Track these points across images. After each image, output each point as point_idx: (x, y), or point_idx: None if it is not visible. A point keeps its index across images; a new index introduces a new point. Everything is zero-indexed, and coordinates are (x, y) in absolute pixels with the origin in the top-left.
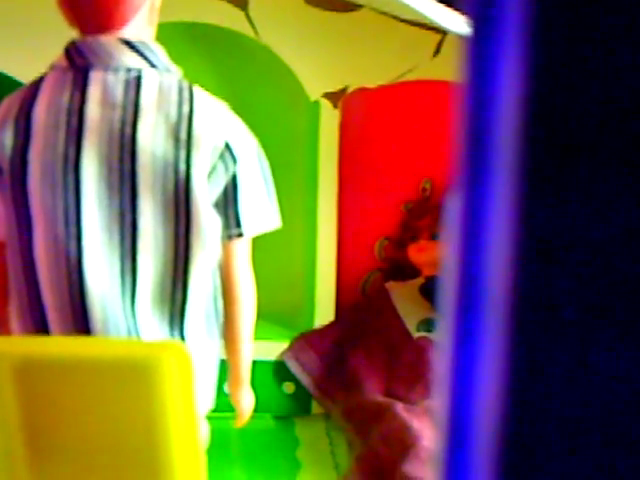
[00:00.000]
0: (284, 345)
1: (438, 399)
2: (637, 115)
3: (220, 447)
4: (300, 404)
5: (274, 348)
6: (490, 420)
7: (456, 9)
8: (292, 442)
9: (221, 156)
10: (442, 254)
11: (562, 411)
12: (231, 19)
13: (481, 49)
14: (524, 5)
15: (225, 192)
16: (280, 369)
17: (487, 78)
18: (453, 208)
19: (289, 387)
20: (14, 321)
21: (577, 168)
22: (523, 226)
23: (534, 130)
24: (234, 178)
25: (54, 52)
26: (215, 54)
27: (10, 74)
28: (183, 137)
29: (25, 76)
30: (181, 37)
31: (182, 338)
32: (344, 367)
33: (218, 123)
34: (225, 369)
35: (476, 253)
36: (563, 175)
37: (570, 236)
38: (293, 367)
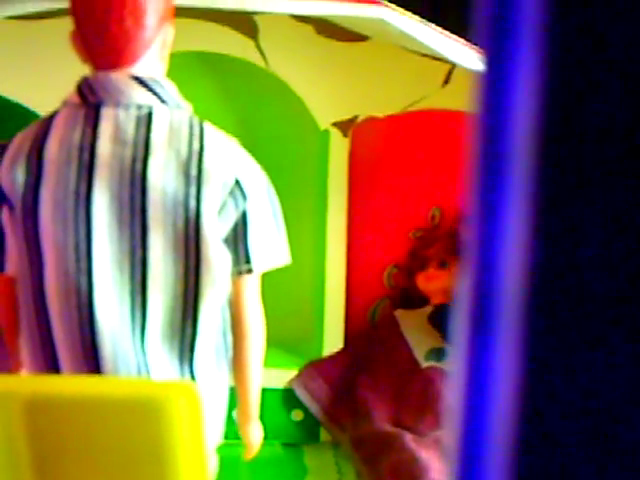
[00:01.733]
0: (293, 373)
1: (451, 422)
2: None
3: (229, 475)
4: (309, 432)
5: (283, 376)
6: (505, 440)
7: (466, 39)
8: (300, 470)
9: (231, 192)
10: (457, 275)
11: (578, 435)
12: (241, 48)
13: (495, 74)
14: (537, 29)
15: (235, 228)
16: (289, 397)
17: (501, 104)
18: (469, 230)
19: (298, 415)
20: (24, 356)
21: (591, 190)
22: (538, 247)
23: (548, 155)
24: (244, 214)
25: (69, 83)
26: (225, 83)
27: (25, 104)
28: (193, 173)
29: (39, 106)
30: (191, 66)
31: (192, 373)
32: (353, 395)
33: (228, 159)
34: (234, 397)
35: (491, 272)
36: (577, 198)
37: (584, 253)
38: (302, 395)
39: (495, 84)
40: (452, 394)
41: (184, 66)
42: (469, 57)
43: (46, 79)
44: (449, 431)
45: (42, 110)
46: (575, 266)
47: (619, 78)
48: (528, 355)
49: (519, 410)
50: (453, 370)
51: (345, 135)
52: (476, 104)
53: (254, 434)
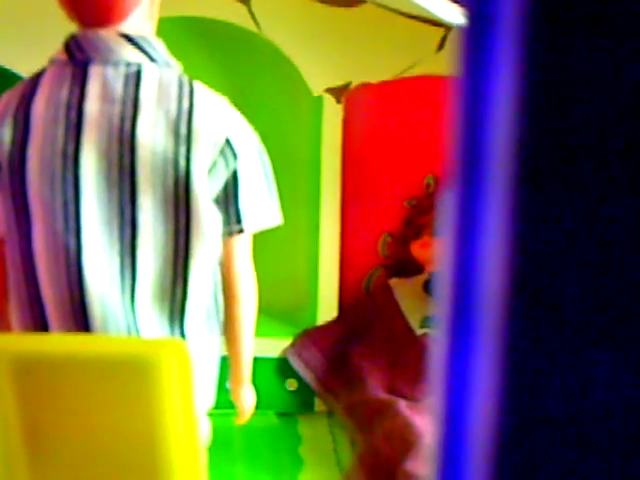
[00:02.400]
0: (287, 342)
1: (434, 399)
2: (635, 116)
3: (222, 444)
4: (303, 401)
5: (277, 345)
6: (486, 421)
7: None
8: (295, 439)
9: (221, 152)
10: (437, 253)
11: (557, 411)
12: (234, 13)
13: (476, 45)
14: (520, 2)
15: (226, 188)
16: (283, 366)
17: (483, 75)
18: (448, 206)
19: (292, 384)
20: (13, 316)
21: (574, 167)
22: (519, 224)
23: (530, 127)
24: (235, 174)
25: (54, 45)
26: (217, 49)
27: (10, 67)
28: (183, 132)
29: (25, 69)
30: (183, 31)
31: (182, 335)
32: (347, 364)
33: (218, 118)
34: (226, 366)
35: (471, 252)
36: (560, 173)
37: (567, 236)
38: (296, 364)
39: (477, 50)
40: (433, 395)
41: (176, 31)
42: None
43: (33, 41)
44: (434, 400)
45: (28, 73)
46: (556, 269)
47: (604, 78)
48: (508, 357)
49: (499, 413)
50: (433, 370)
51: (338, 101)
52: (458, 69)
53: (246, 398)
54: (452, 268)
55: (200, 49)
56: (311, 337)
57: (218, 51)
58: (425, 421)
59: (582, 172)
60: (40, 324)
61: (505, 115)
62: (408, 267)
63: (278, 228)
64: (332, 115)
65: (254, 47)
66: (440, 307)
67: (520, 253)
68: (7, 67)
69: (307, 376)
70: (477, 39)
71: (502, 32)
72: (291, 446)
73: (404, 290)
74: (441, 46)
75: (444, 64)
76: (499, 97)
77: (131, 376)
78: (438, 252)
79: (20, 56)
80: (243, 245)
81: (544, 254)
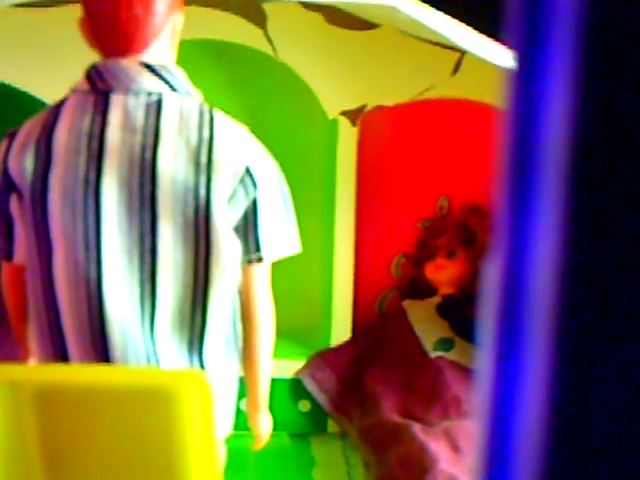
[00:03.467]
0: (300, 363)
1: (480, 405)
2: None
3: (236, 466)
4: (316, 422)
5: (290, 366)
6: (534, 427)
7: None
8: (308, 461)
9: (241, 181)
10: (487, 272)
11: (606, 417)
12: (250, 37)
13: (527, 75)
14: (571, 28)
15: (245, 217)
16: (296, 387)
17: (533, 105)
18: (499, 216)
19: (305, 405)
20: (33, 343)
21: (627, 174)
22: (571, 232)
23: (581, 156)
24: (254, 203)
25: (75, 70)
26: (233, 72)
27: (33, 93)
28: (203, 161)
29: (47, 94)
30: (199, 54)
31: (201, 362)
32: (360, 385)
33: (239, 147)
34: (243, 387)
35: (522, 259)
36: (613, 180)
37: (620, 244)
38: (309, 385)
39: (526, 85)
40: (480, 397)
41: (192, 54)
42: (480, 45)
43: (54, 67)
44: (477, 433)
45: (50, 99)
46: (607, 266)
47: None
48: (558, 356)
49: (549, 413)
50: (481, 373)
51: (354, 124)
52: (507, 106)
53: (263, 424)
54: (503, 275)
55: (216, 72)
56: (325, 358)
57: (234, 74)
58: (440, 446)
59: (635, 181)
60: (60, 352)
61: (559, 122)
62: (422, 289)
63: None
64: (347, 138)
65: (270, 70)
66: (490, 313)
67: (572, 261)
68: (30, 92)
69: (320, 397)
70: (528, 46)
71: (553, 58)
72: (304, 468)
73: (418, 312)
74: (456, 69)
75: (459, 87)
76: (550, 124)
77: (152, 407)
78: (489, 259)
79: (41, 81)
80: (262, 273)
81: (596, 262)
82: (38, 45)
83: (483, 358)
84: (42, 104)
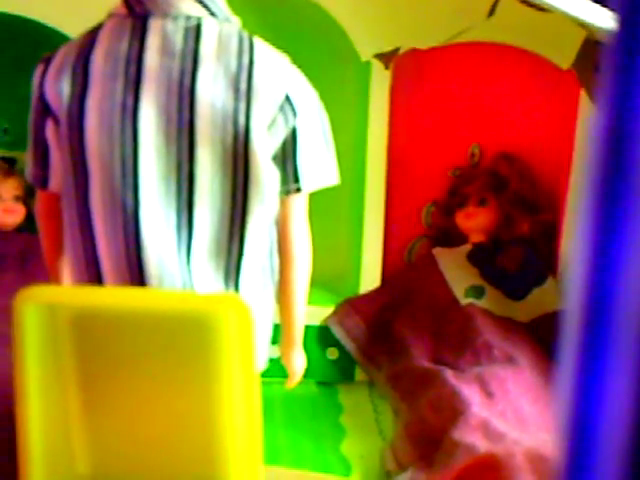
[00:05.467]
0: (329, 310)
1: (559, 419)
2: None
3: (264, 412)
4: (344, 371)
5: (319, 313)
6: (618, 436)
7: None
8: (336, 408)
9: (281, 108)
10: (569, 272)
11: None
12: None
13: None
14: None
15: (284, 146)
16: (324, 334)
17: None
18: (584, 220)
19: (333, 353)
20: (68, 273)
21: None
22: None
23: None
24: (294, 131)
25: (101, 6)
26: (267, 12)
27: (63, 31)
28: (243, 88)
29: (72, 30)
30: None
31: (237, 292)
32: (390, 333)
33: (279, 75)
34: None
35: (609, 268)
36: None
37: None
38: (338, 332)
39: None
40: (560, 404)
41: None
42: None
43: (84, 5)
44: (556, 440)
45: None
46: None
47: None
48: None
49: (633, 421)
50: (562, 387)
51: (387, 67)
52: (600, 112)
53: (297, 362)
54: (588, 283)
55: (248, 11)
56: (353, 306)
57: (266, 13)
58: (472, 391)
59: None
60: (96, 280)
61: None
62: (452, 237)
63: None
64: (380, 81)
65: (303, 11)
66: (572, 321)
67: None
68: (60, 29)
69: (349, 345)
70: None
71: None
72: (332, 415)
73: (448, 260)
74: (491, 12)
75: (494, 31)
76: None
77: (190, 332)
78: (571, 266)
79: (71, 18)
80: (300, 204)
81: None
82: None
83: (564, 371)
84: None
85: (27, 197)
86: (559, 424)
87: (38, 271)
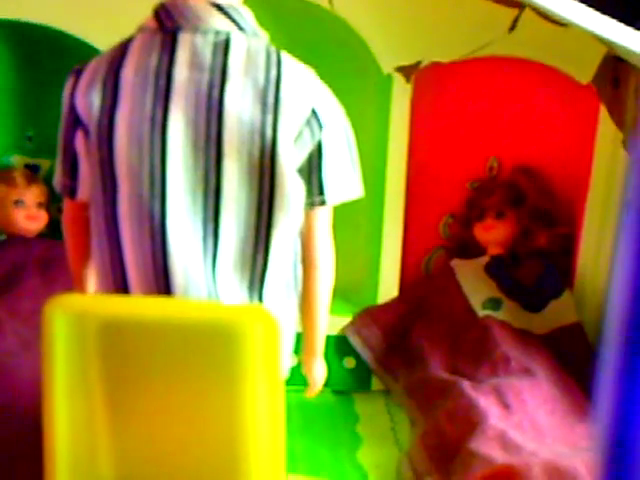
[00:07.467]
0: (346, 320)
1: (598, 443)
2: None
3: None
4: (360, 380)
5: (336, 322)
6: None
7: None
8: (352, 417)
9: (308, 122)
10: (613, 281)
11: None
12: None
13: None
14: None
15: (310, 159)
16: (341, 344)
17: None
18: (627, 233)
19: (350, 362)
20: (94, 281)
21: None
22: None
23: None
24: (319, 145)
25: (133, 21)
26: (289, 24)
27: (89, 41)
28: (270, 101)
29: (104, 45)
30: (256, 7)
31: (261, 303)
32: (407, 343)
33: (305, 89)
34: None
35: None
36: None
37: None
38: (355, 342)
39: None
40: (599, 429)
41: (249, 5)
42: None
43: (110, 16)
44: (596, 464)
45: (106, 47)
46: None
47: None
48: None
49: None
50: (601, 399)
51: (408, 80)
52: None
53: (318, 371)
54: (630, 306)
55: (271, 24)
56: (371, 315)
57: (289, 26)
58: (489, 402)
59: None
60: (122, 288)
61: None
62: (469, 249)
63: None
64: (401, 94)
65: (325, 23)
66: (612, 345)
67: None
68: (86, 40)
69: (366, 354)
70: None
71: None
72: (349, 424)
73: (466, 271)
74: (512, 27)
75: (515, 45)
76: None
77: (216, 342)
78: (614, 280)
79: (97, 29)
80: (324, 217)
81: None
82: None
83: (603, 395)
84: (97, 52)
85: (50, 204)
86: (598, 448)
87: (60, 277)
